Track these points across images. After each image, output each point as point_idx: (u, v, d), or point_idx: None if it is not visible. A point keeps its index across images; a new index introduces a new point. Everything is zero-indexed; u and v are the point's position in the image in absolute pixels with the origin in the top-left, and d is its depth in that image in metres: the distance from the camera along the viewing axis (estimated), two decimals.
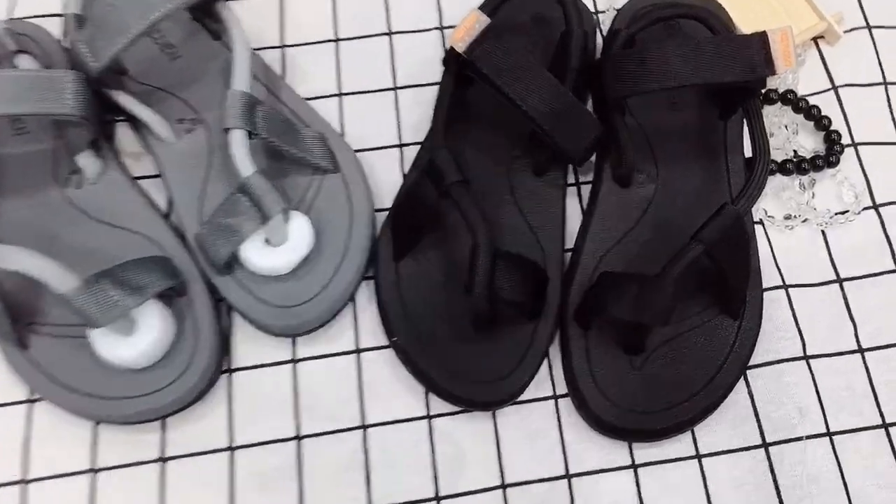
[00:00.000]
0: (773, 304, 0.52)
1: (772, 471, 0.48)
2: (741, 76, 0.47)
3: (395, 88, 0.58)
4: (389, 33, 0.59)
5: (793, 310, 0.52)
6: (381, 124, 0.56)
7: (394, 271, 0.50)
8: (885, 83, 0.58)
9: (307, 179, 0.51)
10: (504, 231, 0.51)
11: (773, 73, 0.47)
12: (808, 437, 0.48)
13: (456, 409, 0.49)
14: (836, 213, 0.54)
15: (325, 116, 0.55)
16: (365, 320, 0.51)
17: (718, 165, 0.52)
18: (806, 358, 0.50)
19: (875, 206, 0.55)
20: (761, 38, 0.47)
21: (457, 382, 0.47)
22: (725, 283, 0.47)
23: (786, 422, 0.49)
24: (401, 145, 0.56)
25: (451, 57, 0.51)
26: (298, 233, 0.48)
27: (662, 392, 0.47)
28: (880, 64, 0.58)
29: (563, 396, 0.49)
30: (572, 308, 0.49)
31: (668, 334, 0.48)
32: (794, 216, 0.54)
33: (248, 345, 0.50)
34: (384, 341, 0.50)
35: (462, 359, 0.48)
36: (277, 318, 0.48)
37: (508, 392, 0.48)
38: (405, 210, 0.50)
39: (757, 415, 0.49)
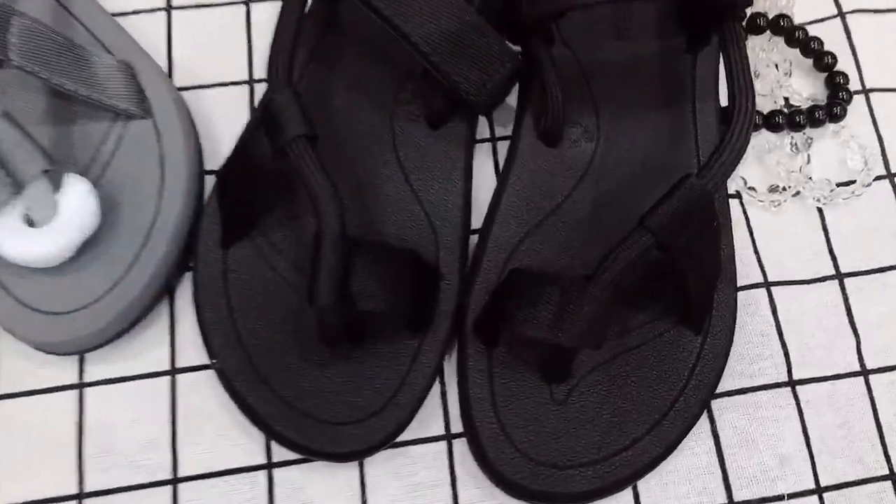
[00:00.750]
0: (750, 309, 0.38)
1: None
2: None
3: (247, 1, 0.42)
4: None
5: (776, 317, 0.38)
6: (226, 52, 0.41)
7: (219, 262, 0.35)
8: None
9: (103, 128, 0.36)
10: (382, 205, 0.36)
11: None
12: (791, 496, 0.35)
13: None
14: (838, 185, 0.40)
15: (147, 40, 0.40)
16: (185, 328, 0.37)
17: (682, 117, 0.38)
18: (791, 384, 0.37)
19: (890, 176, 0.41)
20: None
21: (298, 424, 0.33)
22: (684, 284, 0.33)
23: (762, 474, 0.36)
24: (251, 81, 0.41)
25: None
26: (75, 205, 0.33)
27: (594, 436, 0.34)
28: None
29: (458, 436, 0.36)
30: (472, 317, 0.35)
31: (603, 355, 0.35)
32: (783, 188, 0.40)
33: (15, 361, 0.36)
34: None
35: (313, 389, 0.34)
36: (44, 329, 0.34)
37: (378, 436, 0.34)
38: (235, 175, 0.35)
39: (723, 464, 0.36)
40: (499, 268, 0.35)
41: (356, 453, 0.33)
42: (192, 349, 0.36)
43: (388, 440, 0.34)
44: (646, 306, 0.35)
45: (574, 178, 0.37)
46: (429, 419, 0.36)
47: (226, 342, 0.34)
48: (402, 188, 0.37)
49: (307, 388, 0.34)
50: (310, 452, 0.34)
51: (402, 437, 0.35)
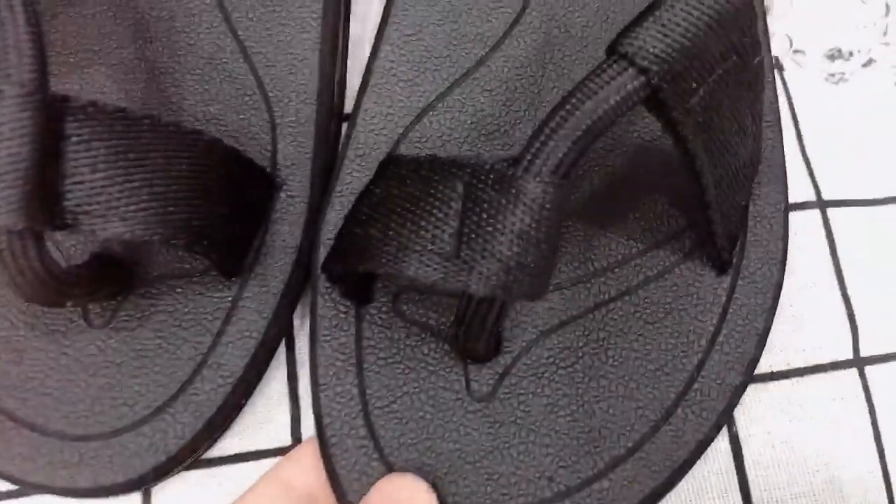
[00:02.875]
0: (795, 242, 0.24)
1: None
2: None
3: None
4: None
5: (834, 257, 0.24)
6: None
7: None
8: None
9: None
10: (186, 66, 0.22)
11: None
12: None
13: None
14: None
15: None
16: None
17: None
18: (858, 363, 0.23)
19: None
20: None
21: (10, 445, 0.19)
22: (699, 181, 0.19)
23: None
24: None
25: None
26: None
27: (544, 457, 0.19)
28: None
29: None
30: (325, 250, 0.20)
31: (558, 314, 0.20)
32: (849, 53, 0.25)
33: None
34: None
35: (34, 385, 0.19)
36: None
37: (150, 458, 0.19)
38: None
39: (746, 489, 0.22)
40: (377, 158, 0.20)
41: (105, 489, 0.19)
42: None
43: (177, 459, 0.20)
44: (631, 226, 0.20)
45: (506, 12, 0.22)
46: (266, 420, 0.22)
47: None
48: (218, 31, 0.22)
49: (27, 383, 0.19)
50: (30, 487, 0.19)
51: (217, 451, 0.21)
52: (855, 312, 0.23)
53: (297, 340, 0.22)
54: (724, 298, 0.20)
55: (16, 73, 0.16)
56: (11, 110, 0.15)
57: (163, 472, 0.20)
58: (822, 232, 0.24)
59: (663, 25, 0.16)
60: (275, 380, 0.22)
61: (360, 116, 0.21)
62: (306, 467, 0.20)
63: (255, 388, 0.21)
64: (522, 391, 0.20)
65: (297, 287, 0.21)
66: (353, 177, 0.21)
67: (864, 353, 0.23)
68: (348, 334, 0.20)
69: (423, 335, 0.20)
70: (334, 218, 0.20)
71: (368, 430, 0.19)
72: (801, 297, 0.23)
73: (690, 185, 0.19)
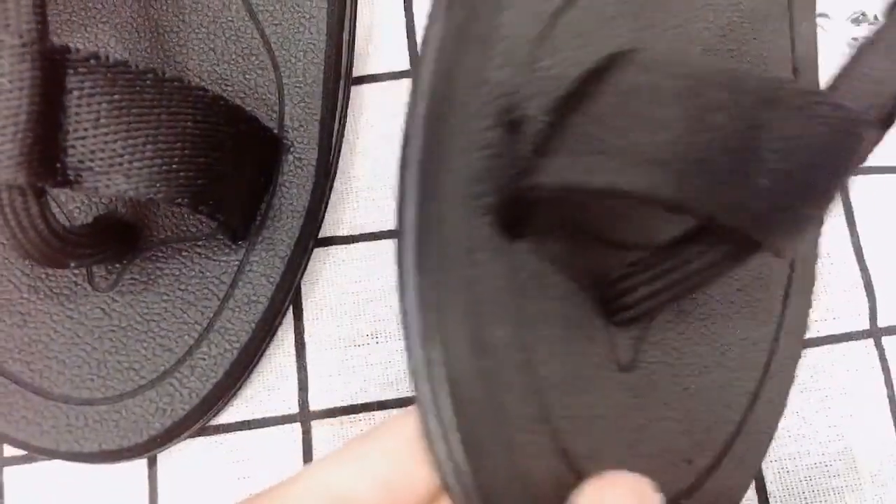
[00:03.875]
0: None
1: None
2: None
3: None
4: None
5: (852, 228, 0.23)
6: None
7: None
8: None
9: None
10: (191, 18, 0.21)
11: None
12: None
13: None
14: None
15: None
16: None
17: None
18: (875, 333, 0.22)
19: None
20: None
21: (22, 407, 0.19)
22: None
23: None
24: None
25: None
26: None
27: (679, 437, 0.18)
28: None
29: (323, 415, 0.21)
30: (482, 174, 0.16)
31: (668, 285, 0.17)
32: (874, 16, 0.25)
33: None
34: None
35: (39, 348, 0.19)
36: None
37: (157, 421, 0.19)
38: None
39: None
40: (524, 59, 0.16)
41: (110, 454, 0.19)
42: None
43: (184, 425, 0.20)
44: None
45: None
46: (273, 387, 0.21)
47: None
48: (242, 18, 0.21)
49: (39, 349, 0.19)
50: (35, 451, 0.19)
51: (224, 417, 0.21)
52: (873, 282, 0.23)
53: (304, 307, 0.22)
54: (785, 278, 0.20)
55: (14, 23, 0.15)
56: (10, 61, 0.15)
57: (169, 437, 0.19)
58: (839, 200, 0.23)
59: None
60: (282, 346, 0.22)
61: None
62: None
63: (262, 354, 0.21)
64: (654, 360, 0.18)
65: (305, 251, 0.21)
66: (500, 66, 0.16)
67: (881, 323, 0.22)
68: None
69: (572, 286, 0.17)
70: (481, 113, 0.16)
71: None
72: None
73: None
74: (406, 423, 0.15)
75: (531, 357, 0.16)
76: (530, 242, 0.16)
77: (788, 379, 0.19)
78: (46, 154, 0.16)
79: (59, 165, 0.16)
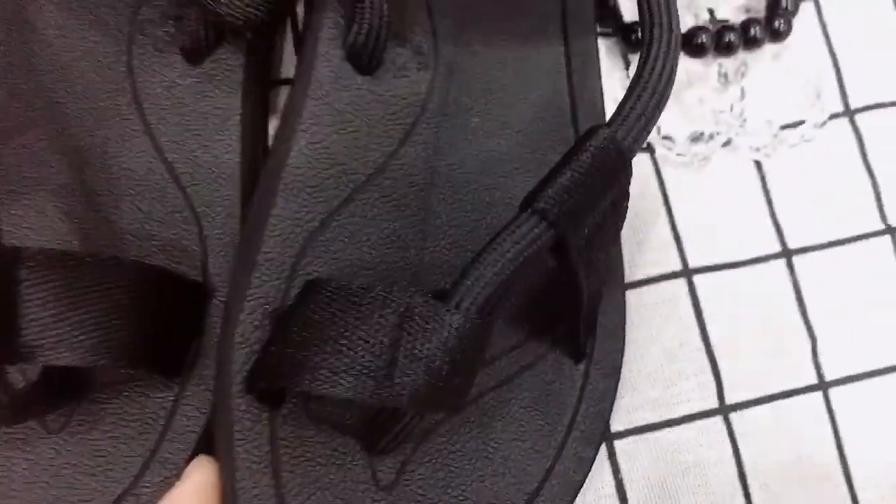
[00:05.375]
0: (664, 310, 0.27)
1: None
2: None
3: None
4: None
5: (700, 319, 0.28)
6: None
7: None
8: None
9: None
10: (116, 185, 0.24)
11: None
12: None
13: None
14: (782, 128, 0.29)
15: None
16: None
17: (549, 35, 0.26)
18: (724, 411, 0.27)
19: (850, 113, 0.30)
20: None
21: None
22: (574, 298, 0.22)
23: None
24: None
25: None
26: None
27: None
28: None
29: None
30: (240, 357, 0.22)
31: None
32: (710, 135, 0.29)
33: None
34: None
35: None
36: None
37: None
38: None
39: None
40: (283, 274, 0.23)
41: None
42: None
43: None
44: (511, 324, 0.24)
45: (402, 125, 0.25)
46: None
47: None
48: (148, 156, 0.24)
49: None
50: None
51: None
52: (719, 365, 0.27)
53: None
54: (580, 382, 0.24)
55: None
56: None
57: None
58: (689, 299, 0.28)
59: (576, 183, 0.20)
60: None
61: (270, 221, 0.23)
62: None
63: None
64: (421, 476, 0.23)
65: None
66: (263, 280, 0.23)
67: (729, 400, 0.27)
68: (262, 437, 0.22)
69: (331, 432, 0.22)
70: (247, 328, 0.22)
71: None
72: (670, 358, 0.27)
73: (567, 299, 0.22)
74: None
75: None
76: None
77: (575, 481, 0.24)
78: (2, 337, 0.19)
79: (14, 346, 0.19)
